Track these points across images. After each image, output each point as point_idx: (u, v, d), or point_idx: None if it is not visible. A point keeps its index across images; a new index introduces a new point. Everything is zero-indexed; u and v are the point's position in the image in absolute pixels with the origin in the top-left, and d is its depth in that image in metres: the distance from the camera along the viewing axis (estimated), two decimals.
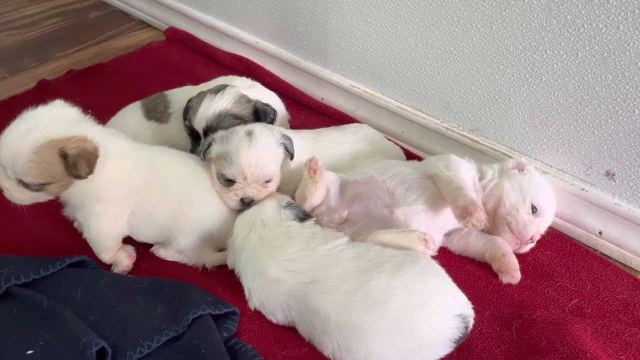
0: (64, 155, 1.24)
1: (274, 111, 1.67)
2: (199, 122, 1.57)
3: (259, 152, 1.44)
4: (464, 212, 1.37)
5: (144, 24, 2.85)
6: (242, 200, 1.46)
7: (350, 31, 1.99)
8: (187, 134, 1.64)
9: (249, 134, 1.45)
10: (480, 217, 1.36)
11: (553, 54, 1.51)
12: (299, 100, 2.18)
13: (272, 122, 1.64)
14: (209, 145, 1.47)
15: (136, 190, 1.42)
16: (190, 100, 1.63)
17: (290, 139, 1.52)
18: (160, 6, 2.74)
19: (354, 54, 2.03)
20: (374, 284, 1.21)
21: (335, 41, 2.06)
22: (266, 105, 1.65)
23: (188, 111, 1.61)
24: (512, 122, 1.69)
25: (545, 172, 1.64)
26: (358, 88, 2.07)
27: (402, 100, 1.97)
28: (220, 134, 1.49)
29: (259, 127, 1.50)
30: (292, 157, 1.53)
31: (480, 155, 1.75)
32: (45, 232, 1.60)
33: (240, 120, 1.58)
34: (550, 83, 1.55)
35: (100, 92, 2.19)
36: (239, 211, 1.47)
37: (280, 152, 1.50)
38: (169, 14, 2.72)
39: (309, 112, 2.14)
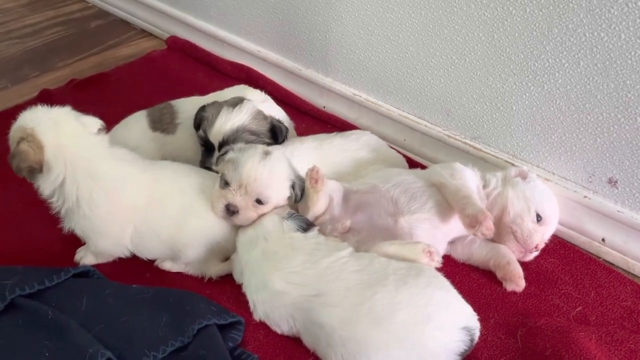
0: (18, 143, 1.35)
1: (287, 129, 1.67)
2: (216, 135, 1.56)
3: (266, 171, 1.41)
4: (473, 221, 1.38)
5: (145, 33, 2.86)
6: (227, 207, 1.42)
7: (351, 39, 2.00)
8: (200, 144, 1.63)
9: (266, 153, 1.44)
10: (490, 226, 1.37)
11: (555, 63, 1.52)
12: (300, 109, 2.18)
13: (284, 140, 1.64)
14: (226, 152, 1.47)
15: (138, 210, 1.43)
16: (204, 110, 1.61)
17: (302, 181, 1.47)
18: (162, 15, 2.74)
19: (356, 63, 2.04)
20: (379, 298, 1.20)
21: (336, 49, 2.07)
22: (280, 122, 1.65)
23: (202, 121, 1.60)
24: (514, 129, 1.70)
25: (548, 180, 1.65)
26: (360, 96, 2.08)
27: (404, 108, 1.98)
28: (240, 145, 1.48)
29: (278, 153, 1.47)
30: (296, 200, 1.48)
31: (482, 163, 1.76)
32: (48, 242, 1.59)
33: (256, 136, 1.57)
34: (553, 91, 1.56)
35: (101, 101, 2.18)
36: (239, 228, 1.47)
37: (285, 186, 1.45)
38: (170, 23, 2.72)
39: (311, 121, 2.14)
